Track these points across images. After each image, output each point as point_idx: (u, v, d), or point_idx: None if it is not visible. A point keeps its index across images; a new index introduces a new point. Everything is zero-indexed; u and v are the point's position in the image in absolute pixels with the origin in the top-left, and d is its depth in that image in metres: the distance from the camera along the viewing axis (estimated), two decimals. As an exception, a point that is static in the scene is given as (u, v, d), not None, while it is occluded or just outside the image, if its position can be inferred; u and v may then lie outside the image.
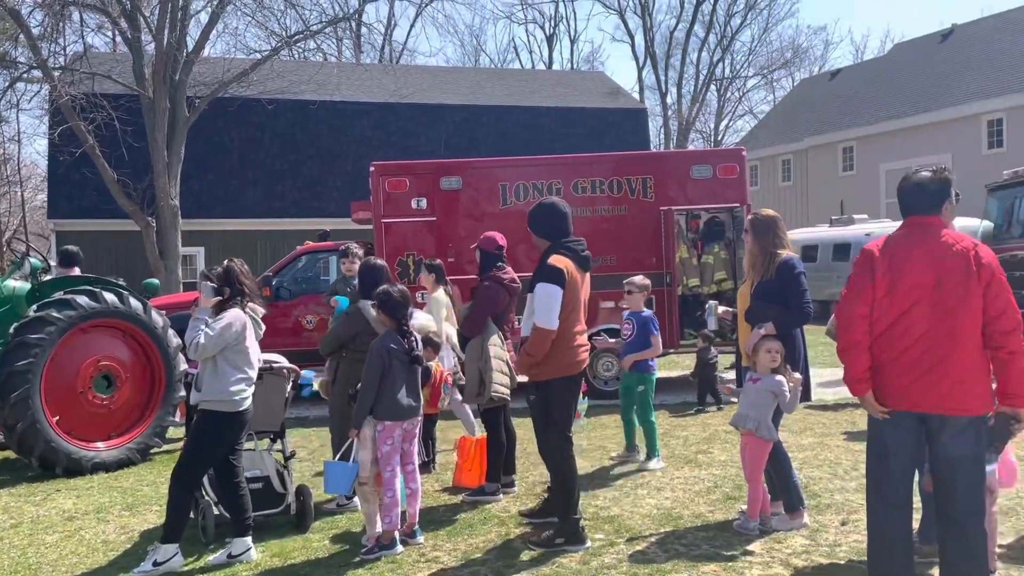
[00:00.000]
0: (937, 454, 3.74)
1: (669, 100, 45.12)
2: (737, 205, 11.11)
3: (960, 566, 3.70)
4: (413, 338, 5.26)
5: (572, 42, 63.36)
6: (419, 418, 5.37)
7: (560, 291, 4.75)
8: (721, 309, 5.97)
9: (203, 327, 4.72)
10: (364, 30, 36.62)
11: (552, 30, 49.74)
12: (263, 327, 5.06)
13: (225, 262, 5.02)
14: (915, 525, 4.56)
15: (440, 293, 7.52)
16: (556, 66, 47.33)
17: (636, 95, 43.71)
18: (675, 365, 13.28)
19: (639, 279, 7.14)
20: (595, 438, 8.18)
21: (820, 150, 33.73)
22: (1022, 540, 4.86)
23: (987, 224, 13.80)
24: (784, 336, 5.14)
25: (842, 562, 4.62)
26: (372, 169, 11.17)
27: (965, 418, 3.66)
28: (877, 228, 21.18)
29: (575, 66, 47.34)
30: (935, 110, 29.03)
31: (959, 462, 3.67)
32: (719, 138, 46.30)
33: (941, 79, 30.42)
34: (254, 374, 4.97)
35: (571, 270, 4.86)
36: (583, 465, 7.15)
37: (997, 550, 4.29)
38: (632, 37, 46.22)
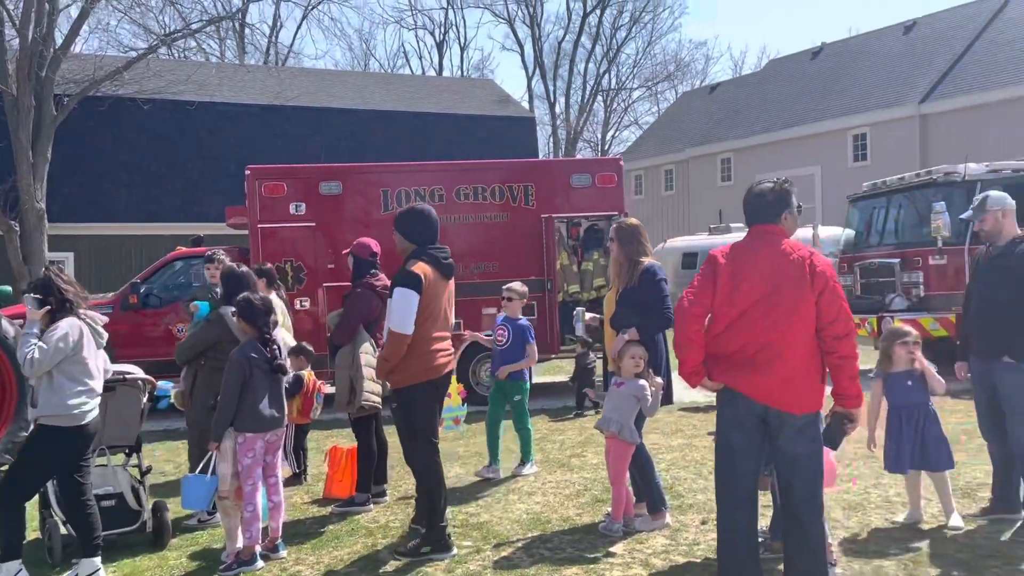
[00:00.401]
0: (778, 452, 3.92)
1: (558, 110, 45.89)
2: (616, 213, 11.35)
3: (800, 560, 3.88)
4: (275, 346, 5.13)
5: (462, 49, 63.70)
6: (283, 429, 5.25)
7: (417, 296, 4.73)
8: (588, 315, 6.07)
9: (34, 341, 4.48)
10: (248, 31, 35.66)
11: (442, 37, 49.87)
12: (104, 335, 4.82)
13: (42, 271, 4.81)
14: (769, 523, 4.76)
15: (272, 297, 7.36)
16: (447, 73, 47.37)
17: (526, 104, 44.23)
18: (558, 370, 13.46)
19: (518, 285, 7.16)
20: (473, 444, 8.18)
21: (700, 160, 34.91)
22: (869, 533, 5.12)
23: (849, 232, 14.59)
24: (647, 341, 5.28)
25: (699, 560, 4.76)
26: (248, 173, 10.89)
27: (802, 418, 3.84)
28: (752, 236, 22.09)
29: (465, 73, 47.52)
30: (805, 124, 30.49)
31: (798, 460, 3.86)
32: (606, 147, 47.34)
33: (811, 95, 31.98)
34: (97, 385, 4.74)
35: (430, 276, 4.85)
36: (459, 472, 7.16)
37: (832, 545, 4.49)
38: (521, 47, 46.71)
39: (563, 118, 45.41)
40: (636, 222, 5.54)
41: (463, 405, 7.11)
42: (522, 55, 46.48)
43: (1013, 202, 5.18)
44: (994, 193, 5.21)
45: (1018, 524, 4.97)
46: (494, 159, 22.17)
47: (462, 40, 63.50)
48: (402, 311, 4.75)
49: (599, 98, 46.63)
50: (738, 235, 21.01)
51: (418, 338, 4.81)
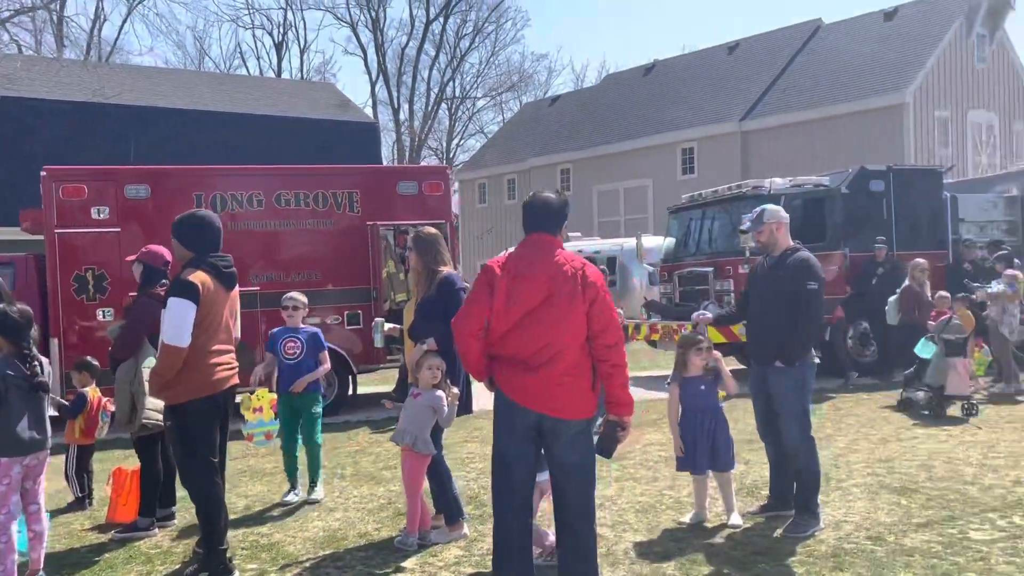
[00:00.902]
0: (552, 461, 3.96)
1: (402, 116, 45.60)
2: (442, 221, 11.30)
3: (573, 567, 3.92)
4: (36, 362, 4.71)
5: (302, 52, 61.65)
6: (45, 452, 4.82)
7: (193, 307, 4.47)
8: (388, 326, 5.96)
9: None
10: (67, 24, 33.33)
11: (281, 37, 48.42)
12: None
13: None
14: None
15: None
16: (286, 75, 46.12)
17: (370, 110, 43.70)
18: (390, 380, 13.24)
19: (298, 294, 6.76)
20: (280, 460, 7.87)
21: (541, 171, 35.59)
22: (659, 535, 5.26)
23: (670, 242, 15.20)
24: (445, 352, 5.22)
25: (487, 570, 4.73)
26: (44, 174, 10.11)
27: (574, 425, 3.89)
28: (588, 245, 22.66)
29: (305, 76, 46.43)
30: (639, 138, 31.70)
31: (570, 469, 3.91)
32: (451, 156, 47.50)
33: (644, 110, 33.30)
34: None
35: (209, 286, 4.59)
36: (261, 490, 6.86)
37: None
38: (365, 51, 46.14)
39: (407, 125, 45.19)
40: (434, 231, 5.47)
41: (275, 419, 6.78)
42: (365, 60, 46.00)
43: (787, 216, 5.48)
44: (770, 207, 5.49)
45: (789, 521, 5.24)
46: (329, 165, 21.67)
47: (302, 42, 61.54)
48: (176, 323, 4.47)
49: (443, 106, 46.74)
50: (576, 243, 21.41)
51: (195, 351, 4.54)
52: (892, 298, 11.04)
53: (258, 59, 50.05)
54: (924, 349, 9.60)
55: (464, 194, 41.03)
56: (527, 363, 3.87)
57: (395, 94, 45.34)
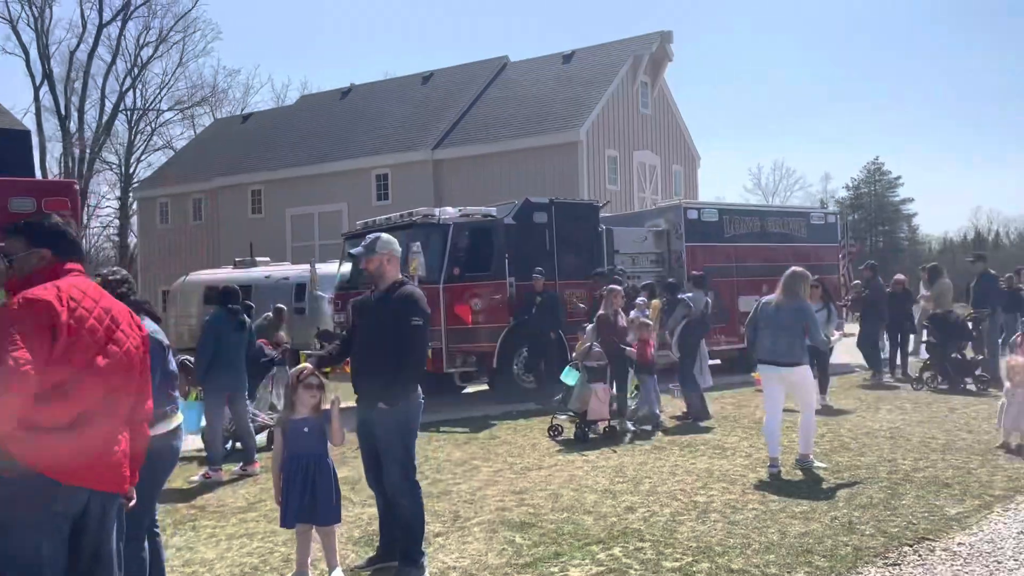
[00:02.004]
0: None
1: (72, 126, 41.16)
2: (66, 244, 9.89)
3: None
4: None
5: None
6: None
7: None
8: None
9: None
10: None
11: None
12: None
13: None
14: None
15: None
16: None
17: (33, 116, 38.99)
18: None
19: None
20: None
21: (230, 191, 33.72)
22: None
23: (346, 268, 14.73)
24: None
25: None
26: None
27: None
28: (278, 271, 21.59)
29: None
30: (334, 161, 31.10)
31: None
32: (131, 171, 43.67)
33: (340, 133, 32.78)
34: None
35: None
36: None
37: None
38: (27, 51, 41.12)
39: (77, 135, 40.85)
40: None
41: None
42: (27, 62, 40.91)
43: (400, 250, 5.19)
44: (385, 236, 5.17)
45: (392, 574, 4.91)
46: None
47: None
48: None
49: (123, 117, 42.88)
50: (263, 269, 19.99)
51: None
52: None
53: None
54: (568, 376, 9.94)
55: (143, 213, 37.84)
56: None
57: (61, 101, 40.83)
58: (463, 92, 31.42)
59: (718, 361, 16.75)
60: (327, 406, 4.91)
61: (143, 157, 45.08)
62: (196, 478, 8.04)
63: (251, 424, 9.79)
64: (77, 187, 10.44)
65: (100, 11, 41.00)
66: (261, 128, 37.06)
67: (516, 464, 8.28)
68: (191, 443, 9.83)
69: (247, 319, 8.64)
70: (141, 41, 42.30)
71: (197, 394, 8.55)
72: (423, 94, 32.78)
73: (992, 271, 14.59)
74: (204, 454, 8.68)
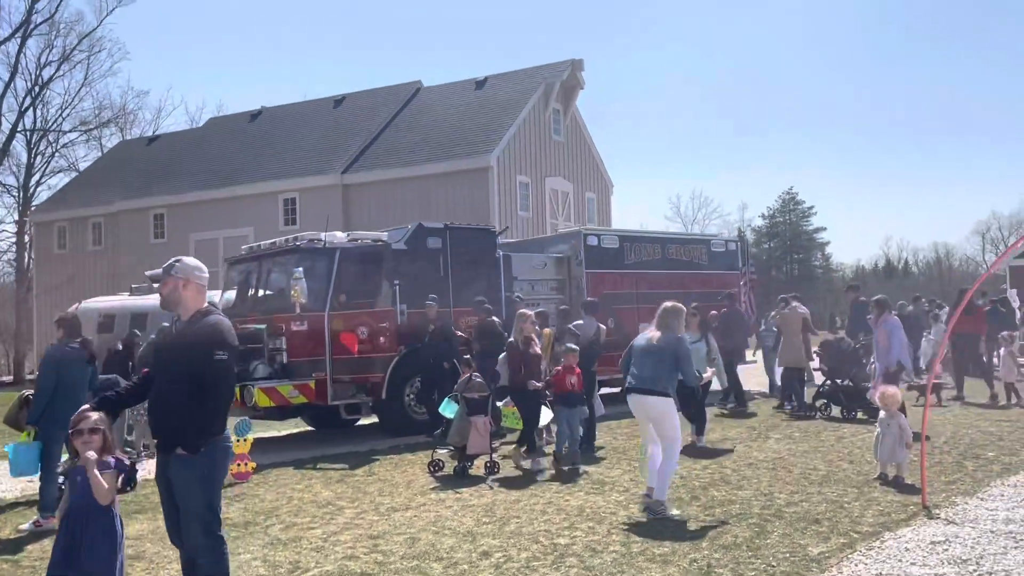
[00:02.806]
0: None
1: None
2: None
3: None
4: None
5: None
6: None
7: None
8: None
9: None
10: None
11: None
12: None
13: None
14: None
15: None
16: None
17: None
18: None
19: None
20: None
21: (132, 215, 32.41)
22: None
23: (229, 296, 14.05)
24: None
25: None
26: None
27: None
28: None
29: None
30: (241, 184, 30.16)
31: None
32: (31, 194, 41.68)
33: (248, 156, 31.86)
34: None
35: None
36: None
37: None
38: (-81, 66, 38.97)
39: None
40: None
41: None
42: (-81, 77, 38.68)
43: (204, 276, 4.64)
44: (186, 260, 4.64)
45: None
46: None
47: None
48: None
49: (20, 137, 40.92)
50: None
51: None
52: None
53: None
54: (447, 408, 9.51)
55: (40, 238, 36.11)
56: None
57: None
58: (375, 116, 30.93)
59: (616, 389, 16.56)
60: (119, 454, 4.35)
61: (43, 180, 43.13)
62: (25, 526, 7.29)
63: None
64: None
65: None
66: (167, 151, 35.83)
67: (383, 504, 7.79)
68: (25, 488, 9.04)
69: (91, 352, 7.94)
70: (43, 60, 40.57)
71: (34, 434, 7.76)
72: (334, 117, 32.15)
73: (863, 299, 15.03)
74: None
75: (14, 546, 6.85)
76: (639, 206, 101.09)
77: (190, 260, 4.64)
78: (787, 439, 10.61)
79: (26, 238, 39.35)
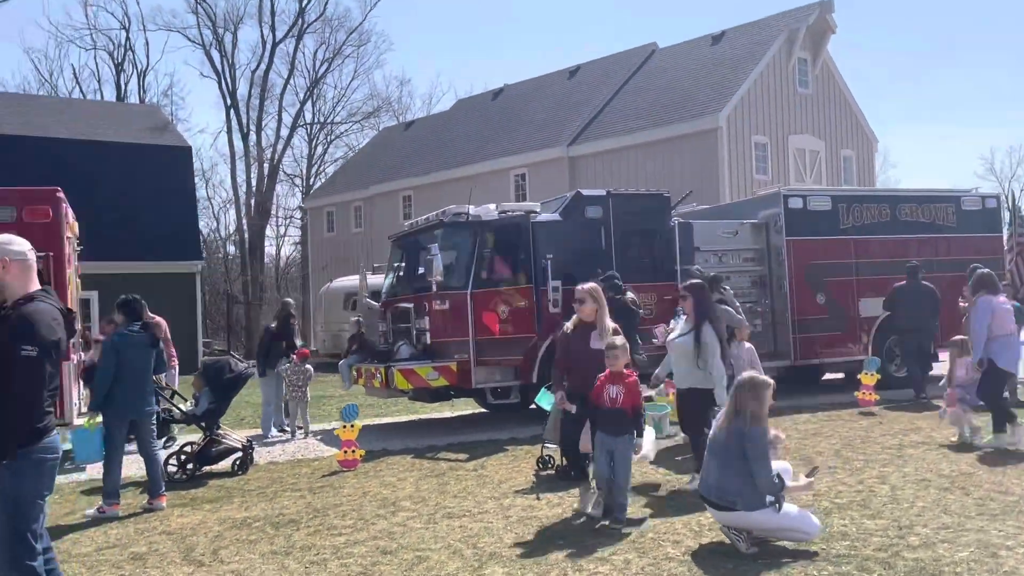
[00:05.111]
0: None
1: (254, 141, 43.66)
2: (48, 252, 9.62)
3: None
4: None
5: (141, 75, 53.11)
6: None
7: None
8: None
9: None
10: None
11: (121, 59, 45.65)
12: None
13: None
14: None
15: None
16: (134, 98, 43.78)
17: (226, 135, 41.82)
18: None
19: None
20: None
21: (384, 197, 34.17)
22: None
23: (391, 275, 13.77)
24: None
25: None
26: None
27: None
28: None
29: (154, 100, 44.14)
30: (478, 163, 30.53)
31: None
32: (311, 182, 45.72)
33: (488, 134, 32.22)
34: None
35: None
36: None
37: None
38: (220, 74, 44.13)
39: (256, 149, 43.29)
40: None
41: None
42: (220, 83, 43.88)
43: (25, 255, 3.95)
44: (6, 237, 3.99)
45: None
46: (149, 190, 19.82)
47: (140, 64, 55.33)
48: None
49: (302, 130, 44.98)
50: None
51: None
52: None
53: (99, 82, 46.77)
54: (543, 399, 8.34)
55: (313, 222, 39.35)
56: None
57: (244, 118, 43.39)
58: (606, 84, 29.78)
59: (840, 375, 14.22)
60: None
61: (322, 168, 47.17)
62: (91, 511, 7.30)
63: (214, 448, 9.02)
64: (60, 195, 10.20)
65: (273, 30, 43.20)
66: (419, 135, 37.36)
67: (444, 509, 6.90)
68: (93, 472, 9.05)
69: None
70: (317, 57, 44.21)
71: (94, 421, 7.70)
72: (567, 89, 31.46)
73: None
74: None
75: (77, 531, 6.82)
76: (941, 162, 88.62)
77: (3, 237, 3.97)
78: (1000, 452, 8.13)
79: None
